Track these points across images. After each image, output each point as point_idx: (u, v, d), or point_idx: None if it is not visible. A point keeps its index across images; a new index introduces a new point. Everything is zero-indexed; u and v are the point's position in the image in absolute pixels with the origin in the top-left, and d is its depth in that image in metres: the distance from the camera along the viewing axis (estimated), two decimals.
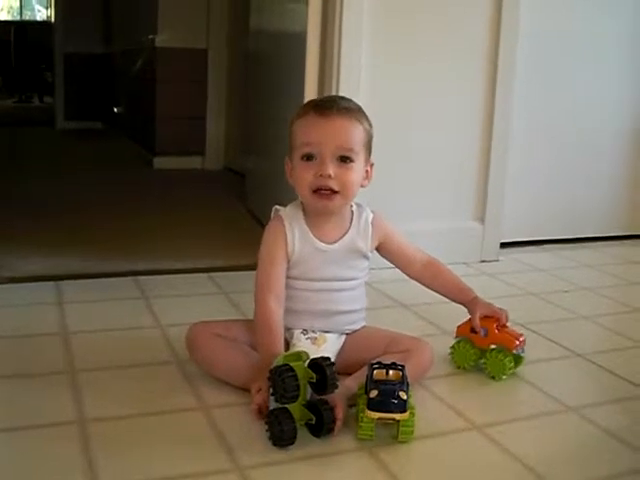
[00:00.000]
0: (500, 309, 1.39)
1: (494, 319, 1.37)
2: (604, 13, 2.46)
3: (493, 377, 1.36)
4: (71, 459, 1.02)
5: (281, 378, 1.05)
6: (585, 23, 2.44)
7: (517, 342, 1.35)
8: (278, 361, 1.09)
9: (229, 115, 4.00)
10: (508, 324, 1.39)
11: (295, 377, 1.06)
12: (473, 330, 1.38)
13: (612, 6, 2.47)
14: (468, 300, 1.41)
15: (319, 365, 1.08)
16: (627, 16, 2.51)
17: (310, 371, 1.08)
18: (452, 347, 1.42)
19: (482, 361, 1.38)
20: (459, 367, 1.40)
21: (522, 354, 1.37)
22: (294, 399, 1.06)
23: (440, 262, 1.44)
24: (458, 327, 1.42)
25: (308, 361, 1.10)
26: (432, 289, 1.45)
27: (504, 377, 1.35)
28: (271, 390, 1.07)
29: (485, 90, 2.19)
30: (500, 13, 2.15)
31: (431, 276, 1.43)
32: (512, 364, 1.35)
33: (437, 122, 2.16)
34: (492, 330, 1.36)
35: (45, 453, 1.04)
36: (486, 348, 1.37)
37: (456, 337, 1.42)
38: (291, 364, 1.07)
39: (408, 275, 1.44)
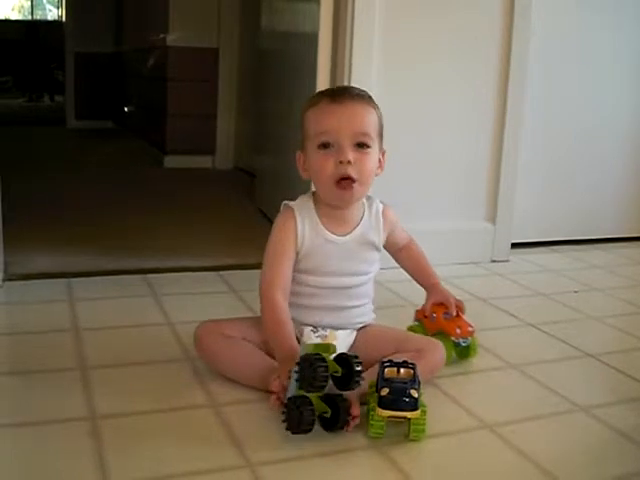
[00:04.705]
0: (456, 299, 1.42)
1: (445, 307, 1.41)
2: (608, 16, 2.46)
3: None
4: (82, 455, 1.02)
5: (313, 367, 1.03)
6: (589, 27, 2.43)
7: (458, 331, 1.38)
8: (309, 349, 1.07)
9: (240, 114, 4.00)
10: (465, 316, 1.42)
11: (326, 367, 1.04)
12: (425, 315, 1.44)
13: (612, 9, 2.47)
14: (428, 284, 1.46)
15: (346, 360, 1.07)
16: (629, 19, 2.51)
17: (336, 365, 1.07)
18: (407, 329, 1.46)
19: None
20: None
21: (464, 344, 1.39)
22: (321, 389, 1.05)
23: (416, 244, 1.47)
24: (416, 310, 1.48)
25: (335, 355, 1.09)
26: (403, 268, 1.49)
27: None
28: (296, 376, 1.06)
29: (497, 91, 2.18)
30: (512, 17, 2.14)
31: (405, 257, 1.47)
32: (451, 352, 1.37)
33: (449, 122, 2.16)
34: (439, 316, 1.41)
35: (56, 449, 1.04)
36: (431, 333, 1.40)
37: (414, 320, 1.48)
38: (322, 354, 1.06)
39: (394, 259, 1.48)
